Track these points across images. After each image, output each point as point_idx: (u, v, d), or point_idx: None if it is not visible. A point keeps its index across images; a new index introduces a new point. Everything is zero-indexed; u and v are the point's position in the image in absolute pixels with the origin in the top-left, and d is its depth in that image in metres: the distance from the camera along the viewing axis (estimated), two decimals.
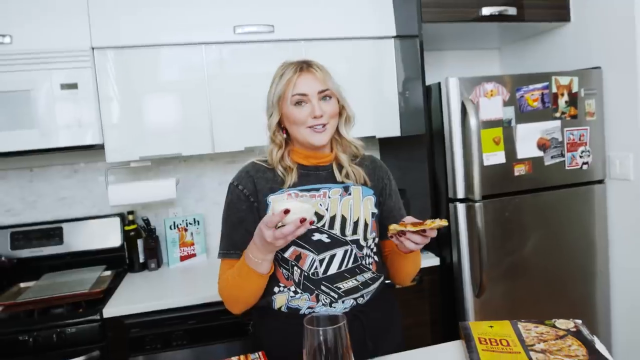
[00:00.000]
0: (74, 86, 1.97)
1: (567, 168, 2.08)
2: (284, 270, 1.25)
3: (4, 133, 1.91)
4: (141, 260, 2.32)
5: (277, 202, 1.10)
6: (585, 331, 1.24)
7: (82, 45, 1.98)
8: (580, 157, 2.09)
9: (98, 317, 1.80)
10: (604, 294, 2.20)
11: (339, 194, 1.28)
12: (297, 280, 1.23)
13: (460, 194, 1.99)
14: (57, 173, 2.35)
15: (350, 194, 1.29)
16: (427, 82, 2.08)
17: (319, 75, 1.25)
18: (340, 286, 1.25)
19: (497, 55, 2.79)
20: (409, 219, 1.18)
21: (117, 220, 2.32)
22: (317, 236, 1.23)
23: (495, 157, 1.96)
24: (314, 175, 1.30)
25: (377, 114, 2.31)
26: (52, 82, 1.95)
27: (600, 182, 2.17)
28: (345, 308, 1.26)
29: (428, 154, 2.09)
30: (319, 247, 1.23)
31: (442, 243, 2.12)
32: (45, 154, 2.19)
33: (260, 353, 1.17)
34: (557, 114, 2.03)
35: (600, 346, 1.17)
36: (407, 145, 2.31)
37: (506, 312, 2.02)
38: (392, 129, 2.33)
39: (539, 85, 1.98)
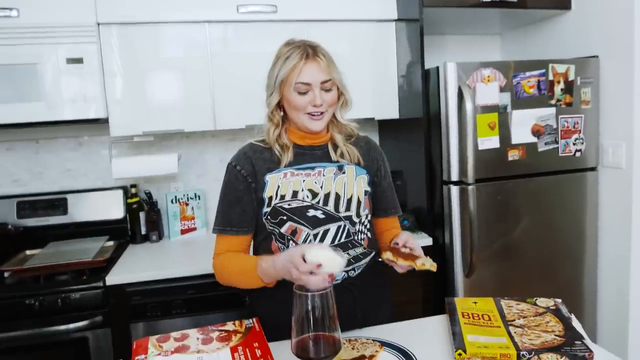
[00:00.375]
0: (79, 61, 2.01)
1: (560, 155, 2.12)
2: (280, 244, 1.30)
3: (12, 105, 1.96)
4: (143, 232, 2.39)
5: (312, 250, 1.07)
6: (564, 309, 1.31)
7: (88, 21, 2.01)
8: (574, 144, 2.13)
9: (101, 285, 1.88)
10: (591, 279, 2.26)
11: (333, 173, 1.33)
12: None
13: (455, 177, 2.04)
14: (62, 145, 2.41)
15: (344, 173, 1.34)
16: (427, 66, 2.11)
17: (323, 65, 1.27)
18: None
19: (499, 40, 2.81)
20: (404, 237, 1.24)
21: (120, 193, 2.39)
22: (312, 212, 1.29)
23: (490, 141, 2.00)
24: (310, 154, 1.35)
25: (377, 96, 2.35)
26: (58, 56, 1.99)
27: (593, 169, 2.21)
28: (337, 280, 1.32)
29: (425, 137, 2.14)
30: (314, 222, 1.28)
31: (436, 224, 2.18)
32: (51, 127, 2.26)
33: (254, 319, 1.23)
34: (553, 101, 2.06)
35: (576, 323, 1.23)
36: (405, 127, 2.35)
37: (495, 293, 2.07)
38: (391, 111, 2.37)
39: (536, 72, 2.01)
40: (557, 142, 2.10)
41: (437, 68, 2.03)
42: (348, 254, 1.33)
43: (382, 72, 2.34)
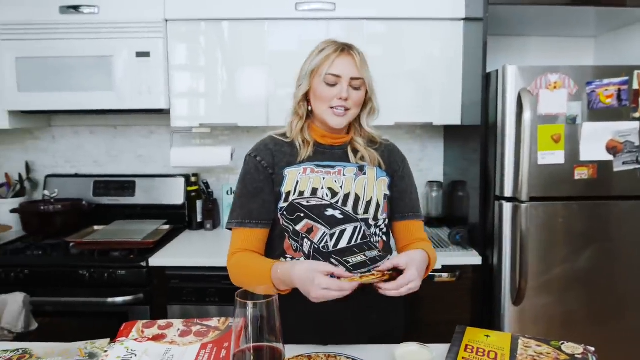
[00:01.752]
0: (147, 54, 2.16)
1: None
2: (293, 242, 1.27)
3: (87, 93, 2.17)
4: (199, 220, 2.50)
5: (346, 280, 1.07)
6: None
7: (157, 17, 2.15)
8: None
9: (144, 265, 2.00)
10: None
11: (354, 173, 1.30)
12: (306, 252, 1.26)
13: (508, 193, 1.84)
14: (136, 133, 2.61)
15: (365, 174, 1.31)
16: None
17: (357, 61, 1.26)
18: (350, 260, 1.25)
19: (593, 44, 2.48)
20: (399, 261, 1.13)
21: (182, 180, 2.53)
22: (330, 212, 1.25)
23: (553, 156, 1.77)
24: (330, 153, 1.33)
25: (439, 100, 2.22)
26: (129, 50, 2.16)
27: None
28: (360, 272, 1.27)
29: (482, 147, 1.96)
30: (332, 222, 1.25)
31: (487, 242, 1.99)
32: (124, 115, 2.46)
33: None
34: (637, 114, 1.77)
35: None
36: (467, 135, 2.18)
37: (546, 327, 1.86)
38: (453, 117, 2.22)
39: (616, 80, 1.74)
40: (638, 162, 1.79)
41: (497, 71, 1.84)
42: (365, 255, 1.26)
43: (446, 74, 2.19)
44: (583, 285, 1.87)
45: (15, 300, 1.90)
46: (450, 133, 2.47)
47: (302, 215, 1.25)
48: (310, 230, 1.25)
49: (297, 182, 1.27)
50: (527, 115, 1.72)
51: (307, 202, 1.26)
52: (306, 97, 1.32)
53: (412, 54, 2.19)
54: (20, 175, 2.56)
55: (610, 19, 2.17)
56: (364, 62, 1.29)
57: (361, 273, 1.10)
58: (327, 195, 1.26)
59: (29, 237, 2.32)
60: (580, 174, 1.80)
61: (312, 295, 1.05)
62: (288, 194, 1.27)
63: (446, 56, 2.19)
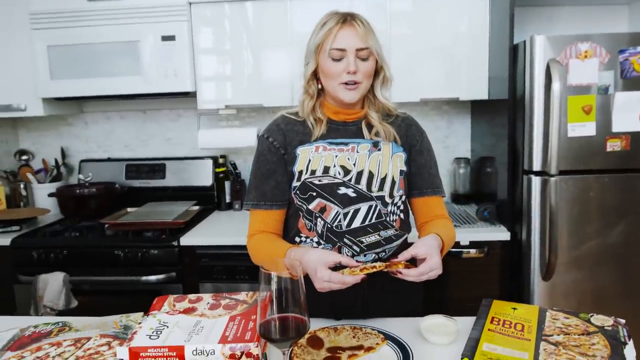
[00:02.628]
0: (172, 38, 2.19)
1: None
2: (307, 222, 1.28)
3: (115, 78, 2.22)
4: (227, 201, 2.55)
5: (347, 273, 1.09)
6: (623, 332, 1.10)
7: (180, 1, 2.17)
8: None
9: (176, 244, 2.07)
10: None
11: (368, 150, 1.28)
12: (320, 232, 1.27)
13: (537, 167, 1.81)
14: (164, 116, 2.66)
15: (379, 150, 1.28)
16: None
17: (360, 31, 1.21)
18: (363, 240, 1.26)
19: (627, 11, 2.37)
20: (417, 251, 1.12)
21: (210, 162, 2.57)
22: (342, 190, 1.24)
23: (584, 128, 1.73)
24: (343, 130, 1.30)
25: (465, 74, 2.18)
26: (155, 34, 2.19)
27: None
28: (367, 261, 1.28)
29: (509, 121, 1.92)
30: (344, 201, 1.24)
31: (516, 218, 1.96)
32: (153, 99, 2.51)
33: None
34: None
35: (630, 351, 1.03)
36: (494, 110, 2.13)
37: (576, 302, 1.83)
38: (480, 91, 2.18)
39: None
40: None
41: (524, 42, 1.79)
42: (379, 234, 1.27)
43: (472, 48, 2.15)
44: (615, 260, 1.83)
45: (56, 280, 2.00)
46: (477, 108, 2.43)
47: (314, 194, 1.25)
48: (323, 210, 1.25)
49: (309, 160, 1.26)
50: (556, 87, 1.67)
51: (319, 180, 1.25)
52: (316, 75, 1.29)
53: (437, 29, 2.15)
54: (56, 161, 2.66)
55: None
56: (369, 31, 1.22)
57: (371, 262, 1.10)
58: (339, 173, 1.25)
59: (66, 220, 2.41)
60: (613, 145, 1.74)
61: (317, 286, 1.07)
62: (300, 173, 1.26)
63: (472, 30, 2.14)
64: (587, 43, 1.68)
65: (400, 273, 1.10)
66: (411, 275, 1.09)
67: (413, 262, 1.15)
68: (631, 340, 1.07)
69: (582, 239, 1.82)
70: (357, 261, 1.14)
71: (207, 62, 2.24)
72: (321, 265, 1.07)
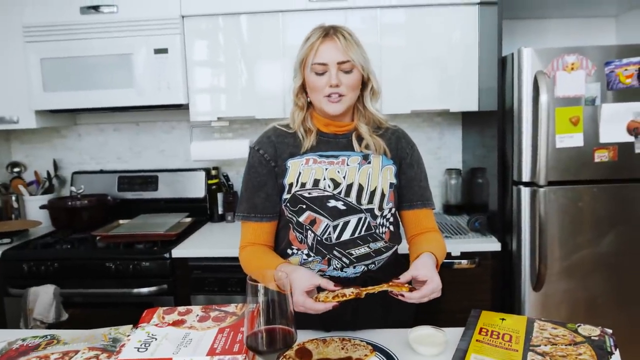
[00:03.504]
0: (165, 51, 2.21)
1: None
2: (298, 234, 1.29)
3: (108, 91, 2.23)
4: (220, 212, 2.55)
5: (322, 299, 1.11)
6: (609, 342, 1.10)
7: (173, 14, 2.19)
8: None
9: (167, 256, 2.06)
10: None
11: (358, 162, 1.29)
12: (310, 244, 1.28)
13: (526, 178, 1.82)
14: (158, 128, 2.67)
15: (369, 163, 1.29)
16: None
17: (341, 44, 1.22)
18: (353, 252, 1.27)
19: (614, 23, 2.41)
20: (417, 273, 1.13)
21: (203, 174, 2.58)
22: (332, 203, 1.25)
23: (571, 139, 1.75)
24: (334, 142, 1.31)
25: (456, 86, 2.20)
26: (148, 47, 2.21)
27: None
28: (356, 273, 1.29)
29: (499, 132, 1.94)
30: (334, 213, 1.25)
31: (506, 228, 1.97)
32: (146, 111, 2.51)
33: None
34: None
35: None
36: (484, 121, 2.16)
37: (567, 312, 1.84)
38: (470, 103, 2.20)
39: (636, 60, 1.70)
40: None
41: (512, 55, 1.81)
42: (369, 247, 1.28)
43: (463, 60, 2.17)
44: (605, 270, 1.84)
45: (46, 292, 1.99)
46: (468, 120, 2.45)
47: (304, 207, 1.26)
48: (313, 222, 1.26)
49: (300, 173, 1.27)
50: (543, 98, 1.70)
51: (309, 193, 1.26)
52: (304, 88, 1.30)
53: (428, 41, 2.17)
54: (48, 173, 2.66)
55: None
56: (351, 43, 1.23)
57: (351, 290, 1.10)
58: (329, 186, 1.25)
59: (58, 232, 2.41)
60: (601, 156, 1.76)
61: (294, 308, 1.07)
62: (290, 185, 1.27)
63: (463, 42, 2.16)
64: (574, 55, 1.71)
65: (403, 296, 1.10)
66: (414, 298, 1.10)
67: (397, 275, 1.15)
68: (617, 350, 1.08)
69: (572, 249, 1.83)
70: (335, 285, 1.13)
71: (200, 75, 2.26)
72: (298, 291, 1.09)
